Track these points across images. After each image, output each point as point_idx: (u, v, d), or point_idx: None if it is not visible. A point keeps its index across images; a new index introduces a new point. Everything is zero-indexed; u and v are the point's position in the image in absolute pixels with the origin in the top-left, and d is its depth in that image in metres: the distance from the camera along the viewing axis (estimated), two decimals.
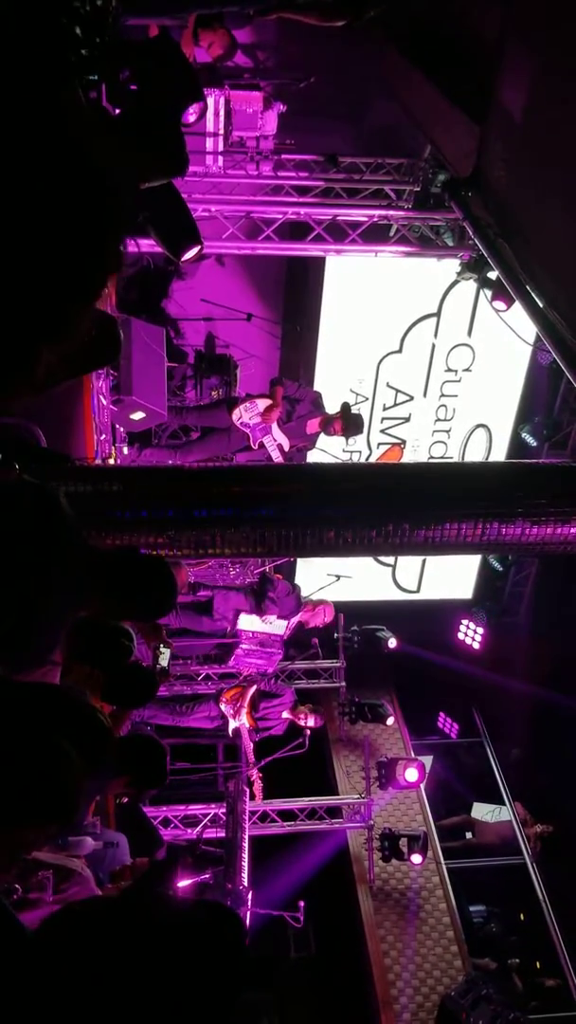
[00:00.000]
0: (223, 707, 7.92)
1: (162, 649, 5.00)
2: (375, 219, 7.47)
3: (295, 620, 7.98)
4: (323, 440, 7.65)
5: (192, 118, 4.94)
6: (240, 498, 4.26)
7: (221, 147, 6.72)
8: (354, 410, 7.59)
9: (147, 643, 5.23)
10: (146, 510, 4.22)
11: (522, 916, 9.07)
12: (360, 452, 8.86)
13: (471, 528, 4.00)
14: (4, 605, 1.87)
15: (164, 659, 4.76)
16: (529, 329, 7.35)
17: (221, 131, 6.63)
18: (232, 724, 7.93)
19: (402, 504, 4.17)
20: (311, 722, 7.83)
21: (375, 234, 7.63)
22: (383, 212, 7.44)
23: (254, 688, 7.84)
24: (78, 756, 2.16)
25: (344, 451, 8.51)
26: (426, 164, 7.27)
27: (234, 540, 4.27)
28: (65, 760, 1.94)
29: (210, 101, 6.47)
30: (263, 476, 4.58)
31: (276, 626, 7.97)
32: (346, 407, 7.51)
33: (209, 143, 6.66)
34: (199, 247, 4.74)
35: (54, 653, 2.68)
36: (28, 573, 1.90)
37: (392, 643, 8.92)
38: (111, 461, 6.55)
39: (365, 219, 7.45)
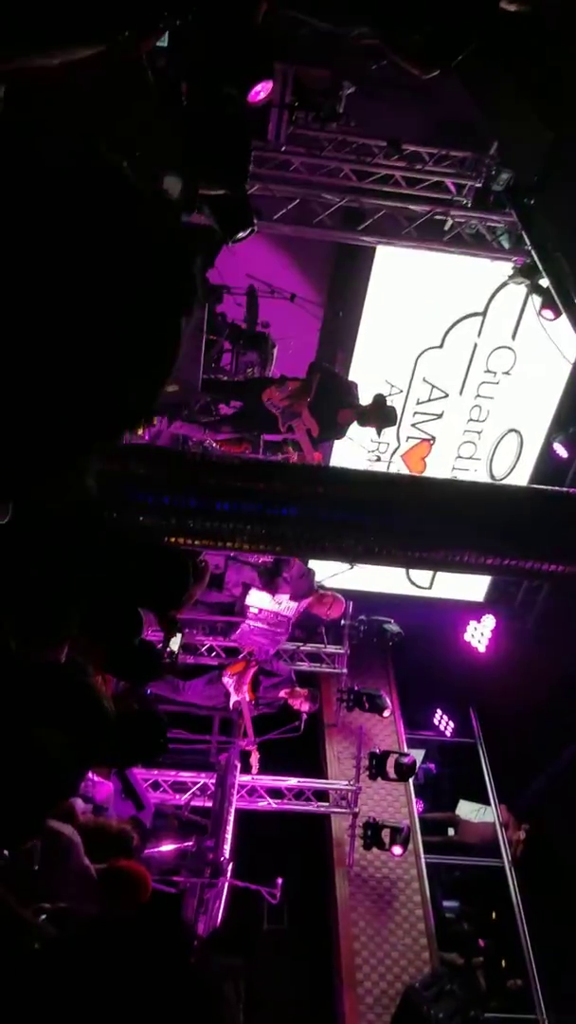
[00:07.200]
0: (226, 679, 7.97)
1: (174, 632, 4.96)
2: (433, 212, 7.31)
3: (304, 603, 7.98)
4: (353, 429, 7.57)
5: (260, 95, 4.82)
6: (264, 495, 4.22)
7: (284, 124, 6.57)
8: (389, 403, 7.50)
9: (161, 628, 5.24)
10: (168, 497, 4.20)
11: (494, 915, 9.18)
12: (388, 444, 8.79)
13: (494, 560, 3.95)
14: (23, 585, 1.87)
15: (175, 643, 4.72)
16: (573, 344, 7.24)
17: (285, 107, 6.48)
18: (233, 697, 8.00)
19: (431, 525, 4.11)
20: (305, 707, 7.89)
21: (429, 226, 7.48)
22: (442, 209, 7.27)
23: (256, 668, 7.89)
24: (72, 745, 2.18)
25: (372, 441, 8.45)
26: (491, 161, 7.08)
27: (253, 536, 4.24)
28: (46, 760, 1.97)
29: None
30: (289, 474, 4.54)
31: (286, 607, 7.97)
32: (381, 400, 7.41)
33: (271, 118, 6.51)
34: (252, 231, 4.68)
35: (70, 632, 2.68)
36: (50, 555, 1.91)
37: (398, 637, 8.94)
38: (139, 432, 6.51)
39: (422, 212, 7.29)
